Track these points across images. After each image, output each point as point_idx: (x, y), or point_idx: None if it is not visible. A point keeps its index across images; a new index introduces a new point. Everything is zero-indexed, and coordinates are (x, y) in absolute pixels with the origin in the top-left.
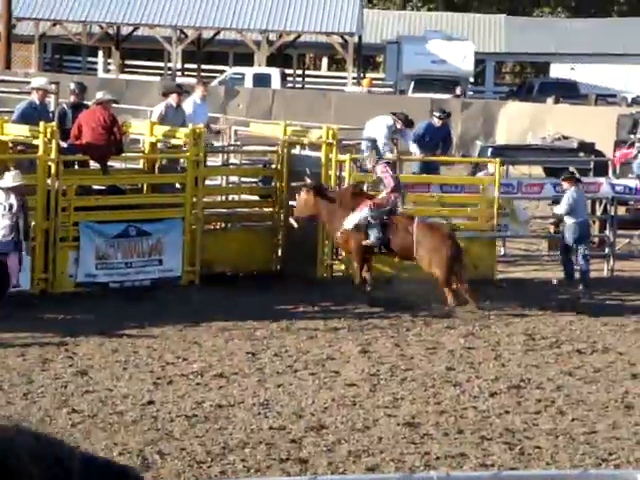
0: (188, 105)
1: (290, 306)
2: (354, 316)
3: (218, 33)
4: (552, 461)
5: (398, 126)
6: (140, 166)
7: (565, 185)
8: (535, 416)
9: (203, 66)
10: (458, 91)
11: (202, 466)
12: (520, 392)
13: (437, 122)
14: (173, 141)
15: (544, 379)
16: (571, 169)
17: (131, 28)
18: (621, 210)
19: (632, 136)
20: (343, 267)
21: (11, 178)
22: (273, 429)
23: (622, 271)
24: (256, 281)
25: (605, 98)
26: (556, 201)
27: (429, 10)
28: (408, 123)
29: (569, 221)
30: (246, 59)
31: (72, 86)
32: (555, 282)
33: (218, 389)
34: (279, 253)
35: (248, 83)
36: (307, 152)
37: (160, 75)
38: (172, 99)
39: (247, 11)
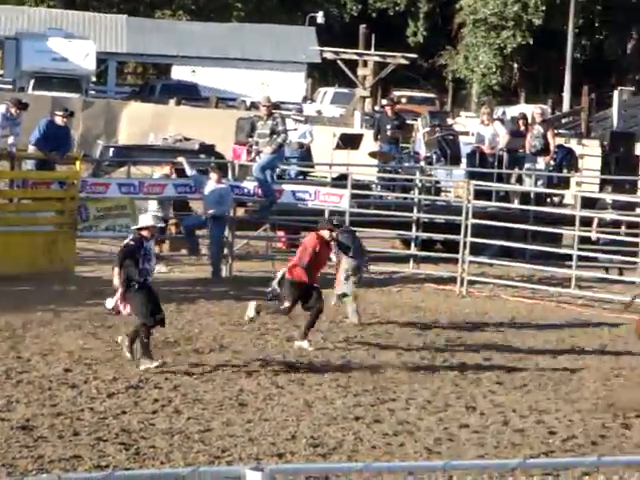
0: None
1: None
2: None
3: None
4: (167, 460)
5: (12, 111)
6: None
7: (213, 176)
8: (152, 416)
9: None
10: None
11: None
12: (138, 392)
13: (60, 121)
14: None
15: (162, 379)
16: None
17: None
18: (240, 211)
19: (250, 139)
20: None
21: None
22: None
23: (240, 272)
24: None
25: (226, 101)
26: None
27: (49, 7)
28: (22, 106)
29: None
30: None
31: None
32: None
33: None
34: None
35: None
36: None
37: None
38: None
39: None
